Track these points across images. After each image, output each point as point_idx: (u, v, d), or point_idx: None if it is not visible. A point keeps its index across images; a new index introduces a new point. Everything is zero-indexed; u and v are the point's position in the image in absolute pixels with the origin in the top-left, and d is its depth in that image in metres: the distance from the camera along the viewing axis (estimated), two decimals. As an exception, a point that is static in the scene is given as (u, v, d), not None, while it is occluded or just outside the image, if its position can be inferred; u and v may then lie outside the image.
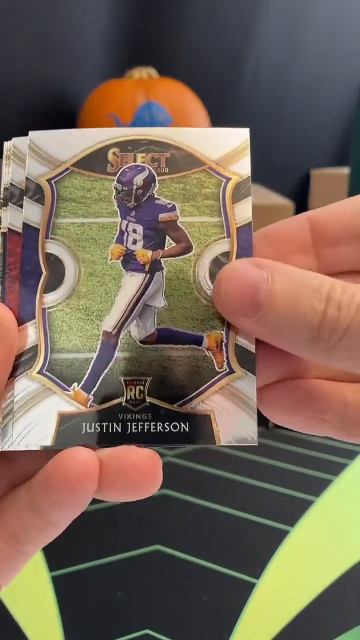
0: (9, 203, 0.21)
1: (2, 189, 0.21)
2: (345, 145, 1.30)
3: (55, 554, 0.41)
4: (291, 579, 0.41)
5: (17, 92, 0.86)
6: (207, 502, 0.48)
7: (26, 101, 0.88)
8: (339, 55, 1.25)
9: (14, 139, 0.22)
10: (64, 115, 0.95)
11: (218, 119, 0.98)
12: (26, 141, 0.21)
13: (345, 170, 1.05)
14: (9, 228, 0.21)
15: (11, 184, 0.21)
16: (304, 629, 0.36)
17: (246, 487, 0.50)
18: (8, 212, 0.21)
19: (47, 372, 0.20)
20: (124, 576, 0.40)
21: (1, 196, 0.21)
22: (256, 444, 0.19)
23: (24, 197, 0.21)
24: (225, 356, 0.20)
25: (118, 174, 0.21)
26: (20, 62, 0.85)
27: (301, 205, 1.25)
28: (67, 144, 0.21)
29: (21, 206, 0.21)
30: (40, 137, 0.21)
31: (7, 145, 0.22)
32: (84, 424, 0.19)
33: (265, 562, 0.42)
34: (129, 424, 0.19)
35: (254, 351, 0.20)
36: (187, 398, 0.20)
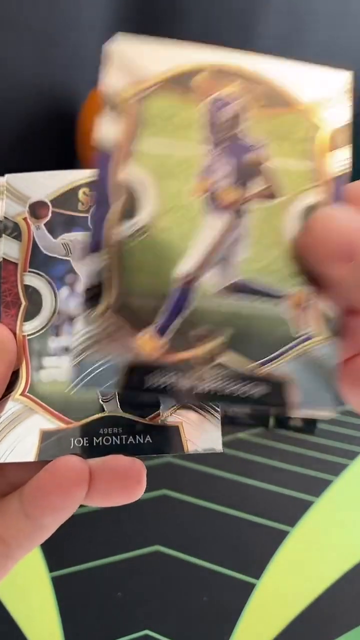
0: (3, 234, 0.23)
1: None
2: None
3: (55, 554, 0.41)
4: (291, 579, 0.41)
5: (16, 92, 0.86)
6: (207, 502, 0.48)
7: (25, 101, 0.88)
8: (339, 56, 1.25)
9: (6, 175, 0.23)
10: (64, 116, 0.95)
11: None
12: (19, 178, 0.23)
13: (345, 171, 1.05)
14: (3, 258, 0.23)
15: (5, 217, 0.23)
16: (304, 629, 0.36)
17: (246, 487, 0.50)
18: (2, 243, 0.23)
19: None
20: (124, 576, 0.40)
21: None
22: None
23: (3, 235, 0.23)
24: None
25: (208, 103, 0.19)
26: (19, 61, 0.85)
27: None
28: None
29: (15, 237, 0.23)
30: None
31: (0, 180, 0.23)
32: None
33: (265, 562, 0.42)
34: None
35: (336, 316, 0.18)
36: (264, 360, 0.18)
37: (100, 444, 0.21)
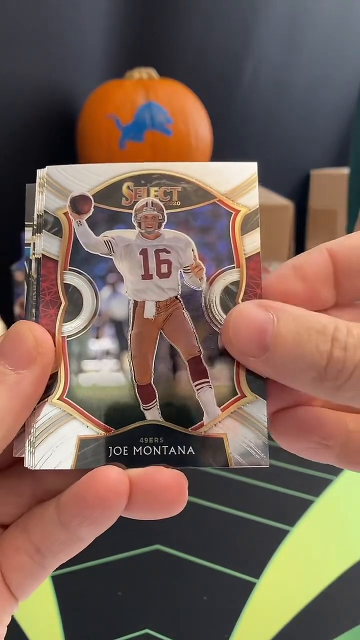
0: (43, 230, 0.22)
1: (35, 215, 0.22)
2: (345, 145, 1.30)
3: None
4: (291, 579, 0.41)
5: (16, 92, 0.86)
6: (207, 502, 0.48)
7: (26, 102, 0.88)
8: (339, 56, 1.25)
9: (47, 167, 0.22)
10: (65, 116, 0.95)
11: (218, 119, 0.98)
12: (60, 170, 0.22)
13: (345, 171, 1.05)
14: (42, 254, 0.22)
15: (45, 211, 0.22)
16: (303, 628, 0.36)
17: (246, 487, 0.50)
18: (42, 239, 0.22)
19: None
20: (124, 576, 0.40)
21: (35, 223, 0.22)
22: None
23: (43, 230, 0.22)
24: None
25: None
26: (19, 62, 0.85)
27: (301, 205, 1.25)
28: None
29: (55, 234, 0.22)
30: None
31: (40, 173, 0.22)
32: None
33: (265, 562, 0.42)
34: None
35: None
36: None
37: (141, 453, 0.20)
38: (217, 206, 0.22)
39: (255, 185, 0.22)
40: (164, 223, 0.22)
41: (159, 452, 0.20)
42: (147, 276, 0.21)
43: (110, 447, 0.20)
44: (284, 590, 0.40)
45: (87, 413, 0.21)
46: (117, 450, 0.20)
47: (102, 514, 0.19)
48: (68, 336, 0.21)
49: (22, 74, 0.86)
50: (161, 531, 0.44)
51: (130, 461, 0.20)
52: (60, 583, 0.40)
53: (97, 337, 0.21)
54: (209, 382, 0.21)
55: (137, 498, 0.19)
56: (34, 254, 0.22)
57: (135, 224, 0.22)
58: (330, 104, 1.28)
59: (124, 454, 0.20)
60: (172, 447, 0.20)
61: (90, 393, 0.21)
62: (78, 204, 0.22)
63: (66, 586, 0.39)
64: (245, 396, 0.20)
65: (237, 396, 0.20)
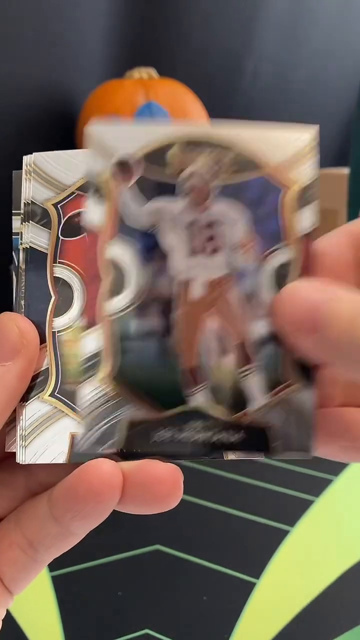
0: (31, 221, 0.21)
1: (22, 203, 0.21)
2: (345, 145, 1.30)
3: (55, 554, 0.41)
4: (291, 579, 0.41)
5: (16, 92, 0.86)
6: (207, 502, 0.48)
7: (26, 102, 0.88)
8: (339, 56, 1.25)
9: (34, 154, 0.21)
10: (65, 116, 0.95)
11: (218, 119, 0.98)
12: (47, 158, 0.21)
13: (345, 170, 1.05)
14: (30, 247, 0.21)
15: (32, 202, 0.21)
16: (304, 628, 0.36)
17: (246, 487, 0.50)
18: (29, 230, 0.21)
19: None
20: (124, 576, 0.40)
21: (22, 211, 0.21)
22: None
23: (30, 222, 0.21)
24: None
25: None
26: (19, 62, 0.85)
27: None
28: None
29: (44, 225, 0.21)
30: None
31: (26, 159, 0.21)
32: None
33: (265, 562, 0.42)
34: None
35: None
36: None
37: (136, 451, 0.19)
38: (270, 178, 0.20)
39: (312, 154, 0.20)
40: (213, 195, 0.20)
41: (201, 439, 0.19)
42: (195, 252, 0.19)
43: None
44: (284, 590, 0.40)
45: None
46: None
47: (95, 508, 0.18)
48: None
49: (21, 74, 0.86)
50: (161, 531, 0.44)
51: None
52: (60, 583, 0.40)
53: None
54: (254, 368, 0.19)
55: (130, 491, 0.19)
56: (22, 243, 0.21)
57: (181, 195, 0.20)
58: (330, 104, 1.28)
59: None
60: (214, 435, 0.19)
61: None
62: (123, 167, 0.19)
63: (66, 586, 0.39)
64: (293, 384, 0.19)
65: (285, 384, 0.19)
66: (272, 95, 1.20)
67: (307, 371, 0.19)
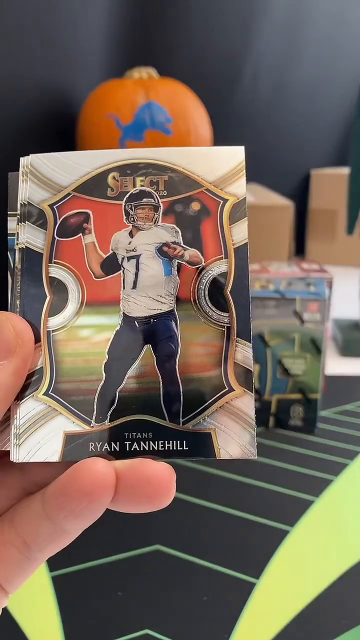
0: (27, 222, 0.21)
1: (18, 204, 0.22)
2: (345, 145, 1.31)
3: (55, 554, 0.41)
4: (291, 579, 0.41)
5: (17, 93, 0.86)
6: (207, 502, 0.48)
7: (26, 102, 0.88)
8: (339, 56, 1.25)
9: (30, 156, 0.22)
10: (65, 116, 0.95)
11: (218, 119, 0.98)
12: (43, 160, 0.22)
13: (345, 170, 1.05)
14: (27, 247, 0.21)
15: (29, 202, 0.21)
16: (304, 629, 0.36)
17: (246, 487, 0.50)
18: (25, 230, 0.21)
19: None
20: (124, 576, 0.40)
21: (18, 212, 0.21)
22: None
23: (26, 222, 0.21)
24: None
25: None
26: (19, 62, 0.85)
27: (301, 205, 1.25)
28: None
29: (40, 226, 0.21)
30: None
31: (23, 161, 0.22)
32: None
33: (265, 562, 0.42)
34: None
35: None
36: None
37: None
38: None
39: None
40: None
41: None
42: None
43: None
44: (284, 590, 0.40)
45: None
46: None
47: (88, 507, 0.18)
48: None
49: (22, 74, 0.86)
50: (161, 531, 0.44)
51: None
52: (60, 583, 0.40)
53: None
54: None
55: (123, 491, 0.19)
56: (17, 244, 0.21)
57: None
58: (330, 104, 1.28)
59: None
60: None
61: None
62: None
63: (66, 586, 0.39)
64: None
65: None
66: (272, 95, 1.20)
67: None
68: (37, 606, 0.38)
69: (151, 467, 0.19)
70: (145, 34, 1.03)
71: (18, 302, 0.21)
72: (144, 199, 0.21)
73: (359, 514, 0.47)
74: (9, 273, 0.21)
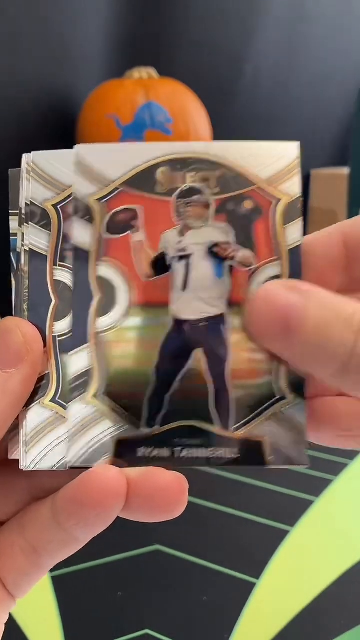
0: (30, 222, 0.20)
1: (23, 203, 0.21)
2: (345, 145, 1.30)
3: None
4: (291, 579, 0.41)
5: (16, 93, 0.86)
6: (207, 502, 0.48)
7: (26, 102, 0.88)
8: (339, 56, 1.25)
9: (33, 153, 0.21)
10: (64, 116, 0.95)
11: (218, 119, 0.98)
12: (47, 157, 0.21)
13: (345, 170, 1.05)
14: (30, 249, 0.20)
15: (32, 202, 0.20)
16: (304, 628, 0.36)
17: (246, 487, 0.50)
18: (29, 231, 0.20)
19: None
20: (124, 576, 0.40)
21: (22, 212, 0.21)
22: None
23: (30, 223, 0.20)
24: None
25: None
26: (19, 62, 0.85)
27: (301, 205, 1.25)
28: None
29: (43, 227, 0.20)
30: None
31: (25, 158, 0.21)
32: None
33: (265, 562, 0.42)
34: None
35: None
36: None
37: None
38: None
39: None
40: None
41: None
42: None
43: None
44: (284, 590, 0.40)
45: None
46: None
47: (99, 515, 0.18)
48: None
49: (21, 73, 0.86)
50: (161, 531, 0.44)
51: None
52: (60, 583, 0.40)
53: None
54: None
55: (135, 499, 0.18)
56: (23, 245, 0.20)
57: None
58: (330, 103, 1.28)
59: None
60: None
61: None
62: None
63: (66, 586, 0.39)
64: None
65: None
66: (272, 95, 1.20)
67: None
68: (37, 606, 0.38)
69: (163, 477, 0.19)
70: (145, 34, 1.03)
71: (25, 306, 0.20)
72: (195, 196, 0.20)
73: (359, 514, 0.47)
74: (12, 275, 0.21)
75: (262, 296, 0.18)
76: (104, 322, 0.20)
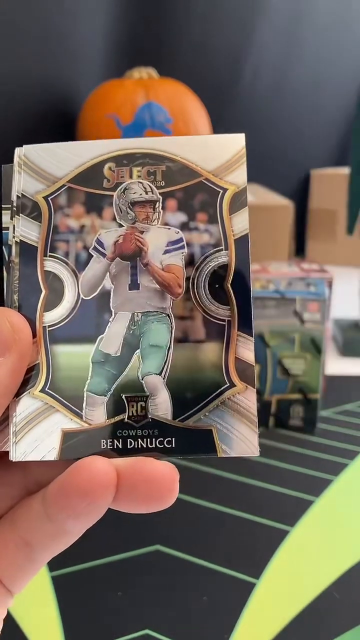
0: (21, 214, 0.21)
1: (14, 197, 0.21)
2: (345, 145, 1.30)
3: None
4: (291, 579, 0.41)
5: (17, 92, 0.86)
6: (207, 502, 0.48)
7: (26, 102, 0.88)
8: (339, 56, 1.25)
9: (24, 147, 0.21)
10: (65, 116, 0.95)
11: (218, 119, 0.98)
12: (38, 150, 0.21)
13: (345, 170, 1.05)
14: (21, 240, 0.21)
15: (23, 194, 0.21)
16: (304, 628, 0.36)
17: (246, 487, 0.50)
18: (20, 223, 0.21)
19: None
20: (124, 576, 0.40)
21: (14, 205, 0.21)
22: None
23: (21, 215, 0.21)
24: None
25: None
26: (20, 62, 0.85)
27: (301, 205, 1.25)
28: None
29: (34, 219, 0.21)
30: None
31: (17, 152, 0.21)
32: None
33: (265, 562, 0.42)
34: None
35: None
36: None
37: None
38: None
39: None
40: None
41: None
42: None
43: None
44: (284, 590, 0.40)
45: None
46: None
47: (88, 507, 0.18)
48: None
49: (22, 74, 0.86)
50: (161, 531, 0.44)
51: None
52: (60, 583, 0.40)
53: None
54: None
55: (125, 490, 0.18)
56: (14, 236, 0.21)
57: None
58: (330, 103, 1.28)
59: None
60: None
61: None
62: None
63: (66, 586, 0.39)
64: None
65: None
66: (272, 95, 1.20)
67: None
68: (37, 606, 0.38)
69: (153, 466, 0.18)
70: (145, 34, 1.03)
71: (15, 297, 0.20)
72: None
73: (359, 514, 0.47)
74: (4, 267, 0.21)
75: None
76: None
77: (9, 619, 0.37)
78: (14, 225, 0.21)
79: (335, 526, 0.46)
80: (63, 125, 0.94)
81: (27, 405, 0.20)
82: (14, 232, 0.21)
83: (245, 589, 0.39)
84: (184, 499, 0.48)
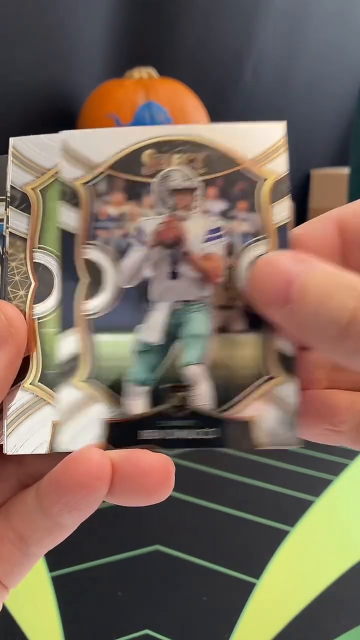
0: (10, 206, 0.21)
1: (8, 187, 0.21)
2: (345, 145, 1.30)
3: (55, 554, 0.41)
4: (291, 579, 0.41)
5: (17, 92, 0.86)
6: (207, 502, 0.48)
7: (26, 101, 0.88)
8: (339, 55, 1.25)
9: (12, 139, 0.21)
10: (65, 115, 0.95)
11: (218, 119, 0.98)
12: (26, 142, 0.21)
13: (345, 170, 1.05)
14: (10, 232, 0.20)
15: (12, 187, 0.21)
16: (304, 629, 0.36)
17: (246, 487, 0.50)
18: (11, 214, 0.21)
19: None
20: (124, 576, 0.40)
21: (8, 196, 0.21)
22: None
23: (10, 207, 0.21)
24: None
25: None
26: (20, 62, 0.85)
27: (301, 205, 1.25)
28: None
29: (23, 210, 0.21)
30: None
31: (10, 142, 0.21)
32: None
33: (265, 562, 0.42)
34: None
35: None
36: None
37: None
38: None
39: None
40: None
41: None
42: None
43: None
44: (284, 590, 0.40)
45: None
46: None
47: (83, 500, 0.18)
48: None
49: (22, 73, 0.86)
50: (161, 531, 0.44)
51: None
52: (60, 583, 0.40)
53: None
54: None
55: (119, 482, 0.18)
56: (7, 228, 0.21)
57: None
58: (331, 103, 1.28)
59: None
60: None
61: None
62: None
63: (66, 586, 0.39)
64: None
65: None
66: (272, 95, 1.20)
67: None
68: (37, 606, 0.38)
69: (147, 459, 0.18)
70: (145, 34, 1.03)
71: (9, 289, 0.20)
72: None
73: (359, 514, 0.47)
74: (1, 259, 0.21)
75: (265, 263, 0.18)
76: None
77: (9, 619, 0.37)
78: (7, 216, 0.21)
79: (335, 526, 0.46)
80: (64, 125, 0.94)
81: (18, 397, 0.20)
82: (7, 224, 0.21)
83: (245, 589, 0.39)
84: (184, 499, 0.48)
